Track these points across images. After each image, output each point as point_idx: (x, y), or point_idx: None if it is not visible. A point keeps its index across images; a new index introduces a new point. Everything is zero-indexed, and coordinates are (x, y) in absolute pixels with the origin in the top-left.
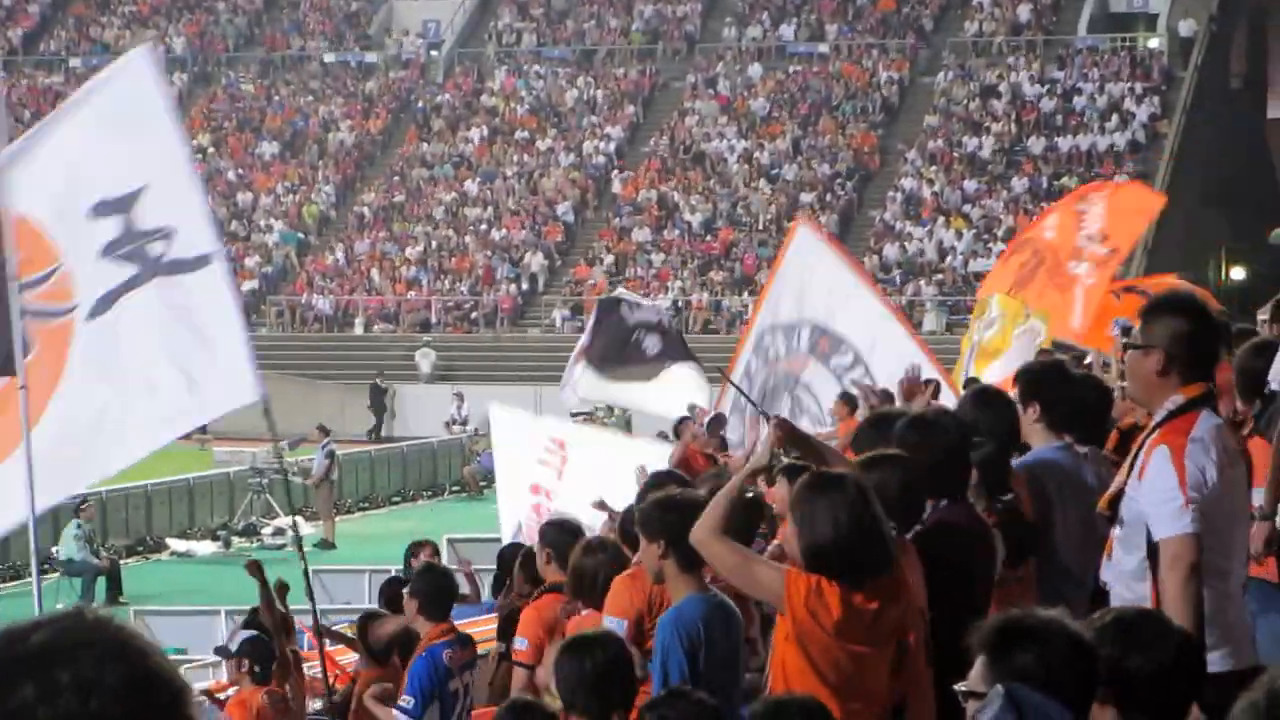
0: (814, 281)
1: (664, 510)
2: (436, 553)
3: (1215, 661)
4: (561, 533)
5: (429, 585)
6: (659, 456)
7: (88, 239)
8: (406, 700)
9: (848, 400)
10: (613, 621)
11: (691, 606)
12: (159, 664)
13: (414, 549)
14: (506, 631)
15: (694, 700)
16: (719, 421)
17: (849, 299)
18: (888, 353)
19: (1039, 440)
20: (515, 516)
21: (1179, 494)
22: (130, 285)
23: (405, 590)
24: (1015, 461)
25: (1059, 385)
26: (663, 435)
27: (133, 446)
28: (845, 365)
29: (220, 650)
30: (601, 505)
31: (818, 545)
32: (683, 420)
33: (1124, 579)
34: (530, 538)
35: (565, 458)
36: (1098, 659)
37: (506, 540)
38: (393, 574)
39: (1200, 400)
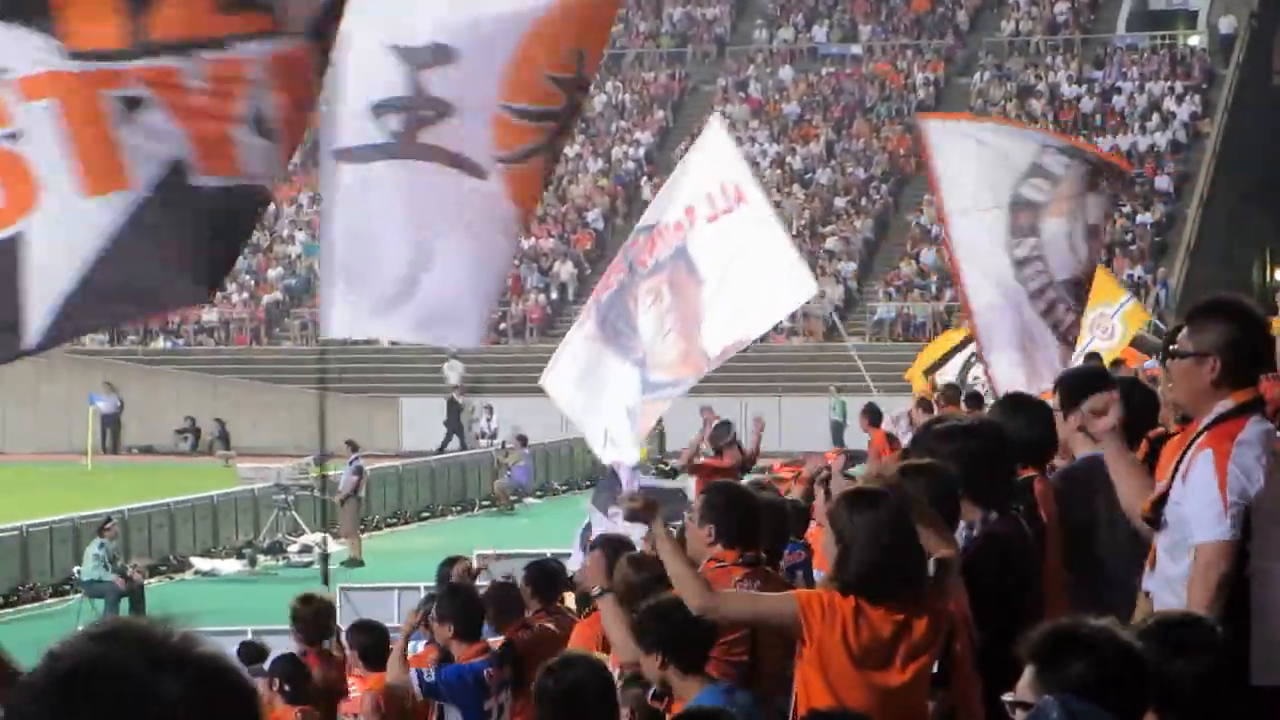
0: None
1: (658, 620)
2: (470, 570)
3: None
4: (614, 548)
5: (462, 608)
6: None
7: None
8: (429, 674)
9: (870, 412)
10: None
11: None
12: (225, 668)
13: (449, 565)
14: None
15: None
16: (725, 428)
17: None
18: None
19: (1081, 447)
20: (656, 214)
21: (1219, 499)
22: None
23: (434, 614)
24: (1058, 469)
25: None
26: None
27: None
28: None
29: (253, 670)
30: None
31: (855, 562)
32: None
33: (1170, 586)
34: (652, 241)
35: (730, 209)
36: (1148, 669)
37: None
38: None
39: (1251, 405)
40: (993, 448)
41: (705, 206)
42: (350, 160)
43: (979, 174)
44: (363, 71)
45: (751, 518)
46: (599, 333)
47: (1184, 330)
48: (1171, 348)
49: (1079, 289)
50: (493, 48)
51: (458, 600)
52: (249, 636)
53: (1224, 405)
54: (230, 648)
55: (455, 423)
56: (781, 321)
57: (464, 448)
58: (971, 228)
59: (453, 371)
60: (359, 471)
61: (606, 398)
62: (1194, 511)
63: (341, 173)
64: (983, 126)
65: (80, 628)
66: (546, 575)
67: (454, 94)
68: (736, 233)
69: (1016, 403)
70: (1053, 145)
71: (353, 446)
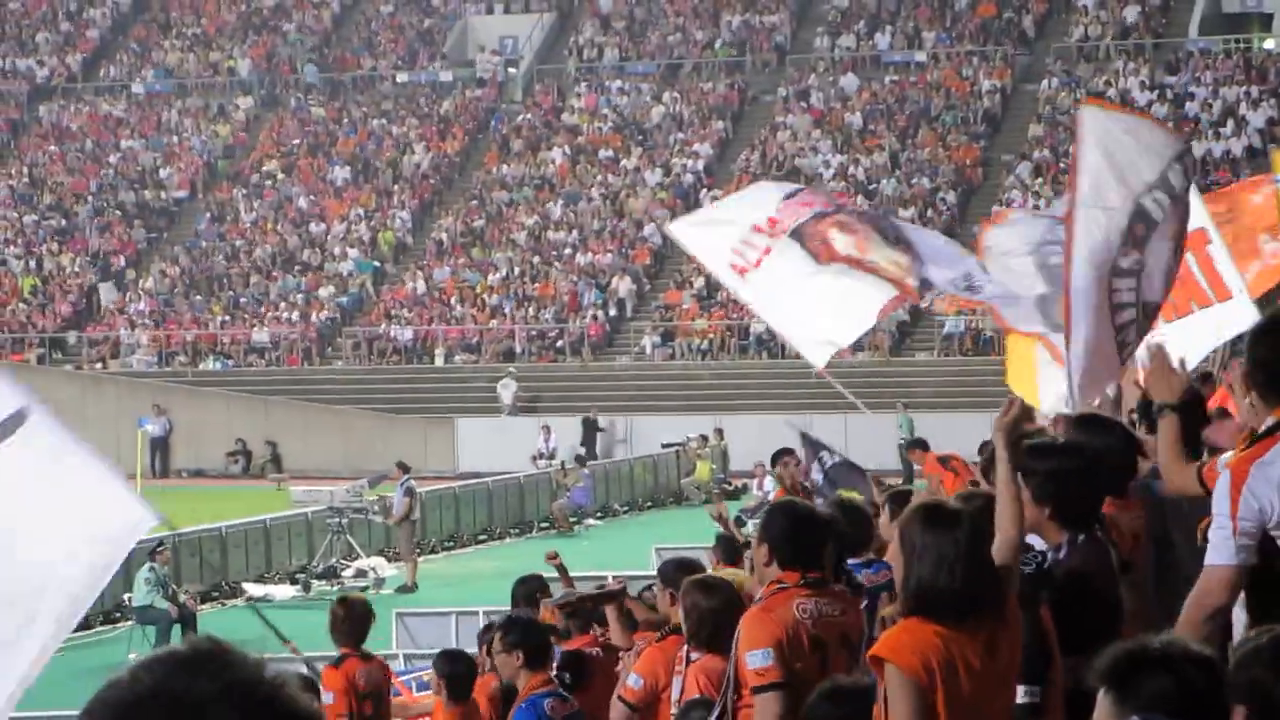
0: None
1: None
2: (545, 587)
3: None
4: (683, 572)
5: (534, 638)
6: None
7: None
8: None
9: (916, 444)
10: (757, 655)
11: None
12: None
13: (520, 584)
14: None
15: None
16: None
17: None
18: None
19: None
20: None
21: (1229, 524)
22: None
23: (502, 641)
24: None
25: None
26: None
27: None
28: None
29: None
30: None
31: (925, 584)
32: (783, 453)
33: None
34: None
35: (770, 249)
36: (1223, 680)
37: None
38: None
39: None
40: (1086, 467)
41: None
42: None
43: (1116, 171)
44: None
45: (813, 537)
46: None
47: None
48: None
49: (1149, 317)
50: None
51: (532, 630)
52: (302, 663)
53: (1268, 424)
54: None
55: (592, 440)
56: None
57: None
58: (1096, 223)
59: (506, 390)
60: (410, 493)
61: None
62: (1211, 532)
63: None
64: (1139, 121)
65: (132, 656)
66: (687, 572)
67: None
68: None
69: (1100, 423)
70: (1178, 153)
71: (403, 468)
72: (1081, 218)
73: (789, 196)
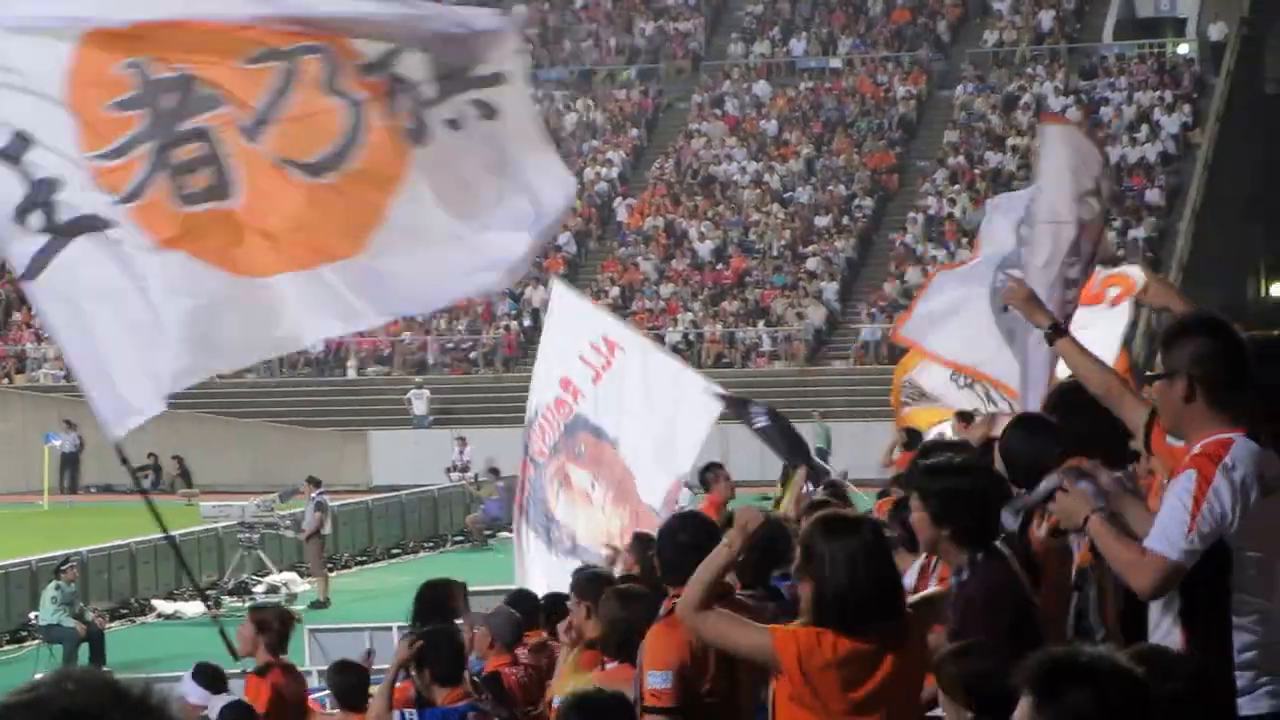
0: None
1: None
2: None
3: (1255, 704)
4: (595, 583)
5: (443, 651)
6: (694, 424)
7: None
8: (413, 716)
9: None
10: (657, 676)
11: None
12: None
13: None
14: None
15: None
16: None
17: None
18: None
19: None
20: (535, 400)
21: (1188, 519)
22: None
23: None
24: None
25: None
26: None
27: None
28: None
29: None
30: (612, 552)
31: (833, 591)
32: (711, 468)
33: (1154, 620)
34: (540, 429)
35: (609, 363)
36: (1150, 697)
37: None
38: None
39: (1236, 423)
40: (983, 487)
41: (583, 370)
42: (31, 277)
43: (1071, 185)
44: None
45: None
46: (535, 539)
47: (1160, 351)
48: (1148, 374)
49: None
50: (55, 118)
51: (437, 646)
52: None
53: (1210, 426)
54: (185, 680)
55: None
56: (763, 344)
57: None
58: (1049, 236)
59: (418, 400)
60: (321, 508)
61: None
62: (1160, 517)
63: (38, 289)
64: (1081, 134)
65: (38, 675)
66: (603, 584)
67: (54, 170)
68: (627, 381)
69: (1032, 424)
70: (1103, 167)
71: (314, 483)
72: (1037, 234)
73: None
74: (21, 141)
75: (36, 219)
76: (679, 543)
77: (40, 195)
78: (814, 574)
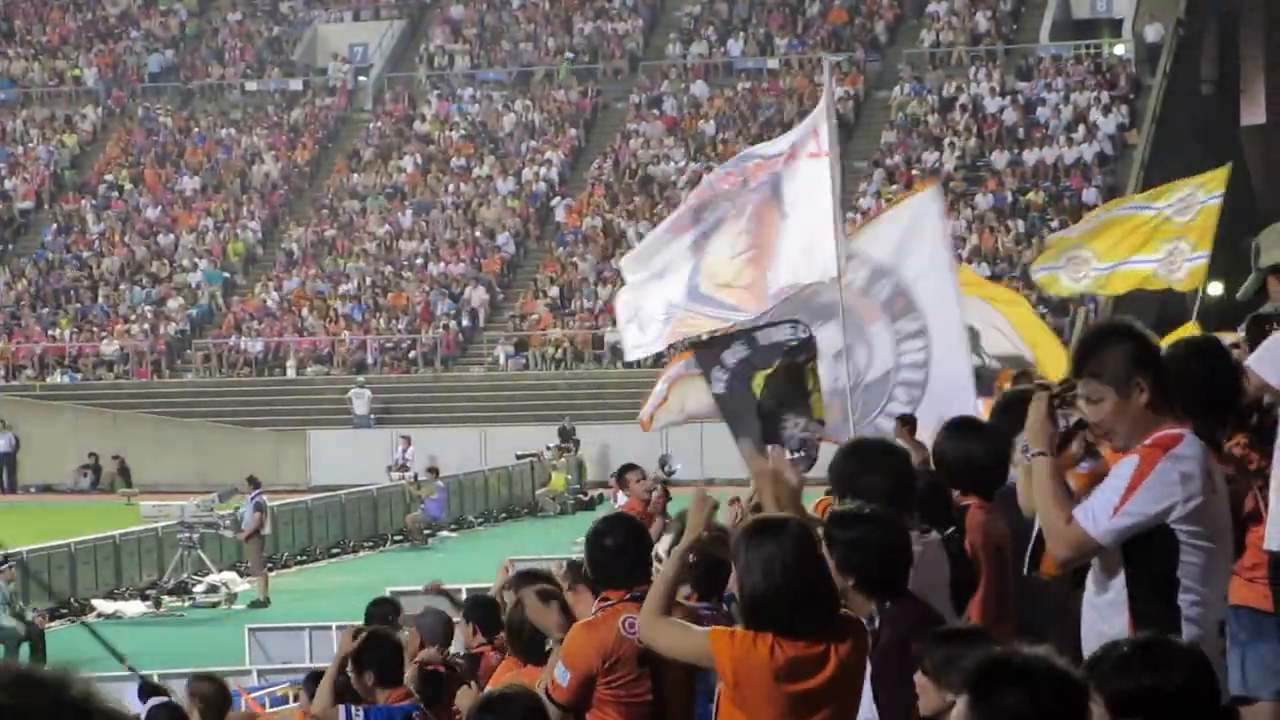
0: (918, 242)
1: None
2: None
3: None
4: (528, 581)
5: (382, 654)
6: None
7: None
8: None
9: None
10: (562, 671)
11: None
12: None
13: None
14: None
15: None
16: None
17: (942, 280)
18: (950, 351)
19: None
20: None
21: (1116, 501)
22: None
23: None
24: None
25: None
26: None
27: None
28: (910, 332)
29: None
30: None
31: (757, 596)
32: (628, 469)
33: (1099, 610)
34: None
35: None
36: (1087, 697)
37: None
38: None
39: (1181, 420)
40: (888, 538)
41: (810, 142)
42: None
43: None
44: None
45: (642, 551)
46: (685, 219)
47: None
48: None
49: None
50: None
51: (378, 647)
52: (155, 680)
53: (1157, 425)
54: (133, 693)
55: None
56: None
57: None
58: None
59: (359, 400)
60: (260, 508)
61: (656, 283)
62: (1094, 493)
63: None
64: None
65: None
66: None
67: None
68: (818, 177)
69: (970, 427)
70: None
71: (253, 483)
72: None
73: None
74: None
75: None
76: (606, 546)
77: None
78: (739, 579)
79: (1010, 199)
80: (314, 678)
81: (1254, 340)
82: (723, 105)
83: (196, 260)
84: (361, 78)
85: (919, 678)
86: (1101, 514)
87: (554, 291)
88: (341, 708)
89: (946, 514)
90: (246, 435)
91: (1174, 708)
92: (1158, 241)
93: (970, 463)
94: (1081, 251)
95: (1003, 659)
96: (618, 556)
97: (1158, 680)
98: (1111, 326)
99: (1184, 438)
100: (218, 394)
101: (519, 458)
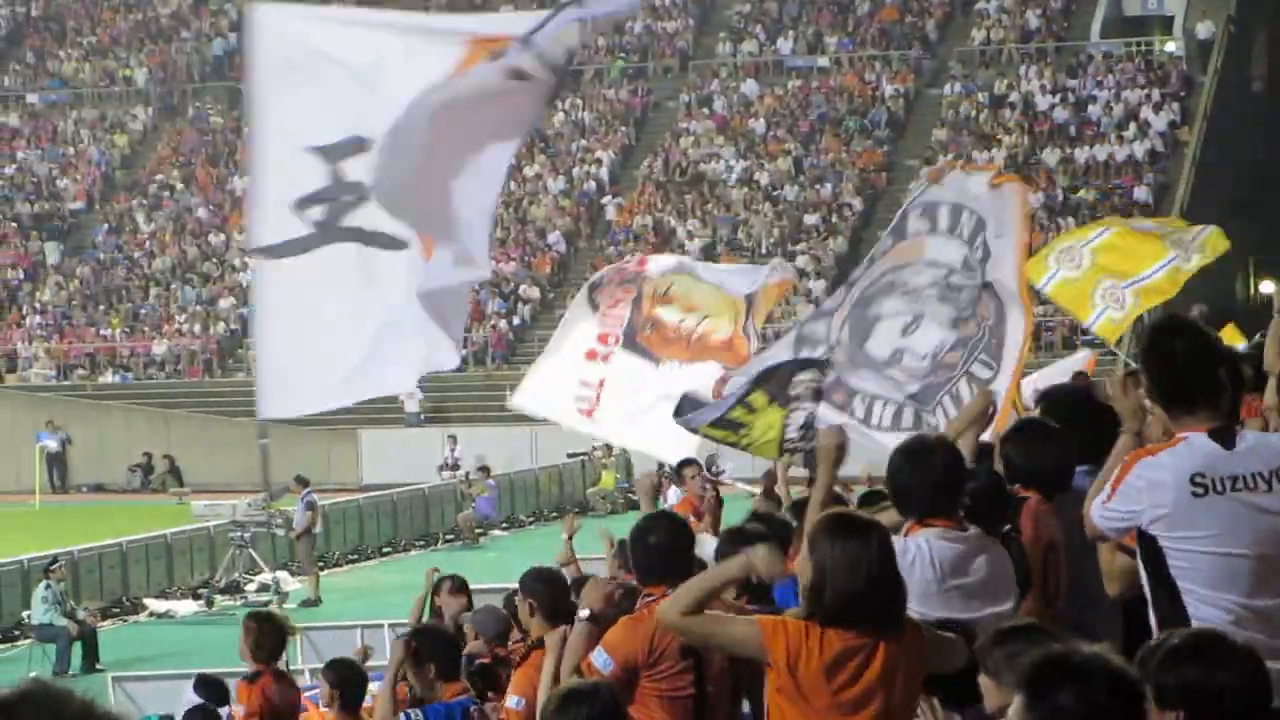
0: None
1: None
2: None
3: None
4: (542, 582)
5: (440, 647)
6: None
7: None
8: (417, 715)
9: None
10: (602, 656)
11: None
12: None
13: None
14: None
15: None
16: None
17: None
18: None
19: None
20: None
21: (1104, 496)
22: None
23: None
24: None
25: (1079, 410)
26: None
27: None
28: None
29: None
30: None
31: (838, 592)
32: (687, 464)
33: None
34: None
35: (604, 380)
36: (1142, 696)
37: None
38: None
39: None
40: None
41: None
42: (271, 256)
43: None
44: (283, 172)
45: (684, 549)
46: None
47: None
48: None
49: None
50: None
51: (435, 640)
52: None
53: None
54: (188, 690)
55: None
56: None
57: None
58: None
59: (410, 399)
60: (312, 507)
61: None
62: (1093, 490)
63: (264, 269)
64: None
65: (33, 674)
66: (547, 583)
67: (370, 178)
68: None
69: (1041, 432)
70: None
71: (302, 482)
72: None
73: (595, 287)
74: (354, 144)
75: (318, 212)
76: (649, 545)
77: (332, 194)
78: (815, 570)
79: (1061, 197)
80: (338, 666)
81: None
82: (773, 104)
83: (247, 260)
84: None
85: (982, 678)
86: (1097, 506)
87: None
88: (402, 714)
89: (1003, 513)
90: (298, 434)
91: (1217, 704)
92: (1166, 244)
93: (1039, 466)
94: (1070, 244)
95: (1059, 658)
96: (661, 555)
97: (1202, 675)
98: (1153, 328)
99: (1175, 444)
100: None
101: (570, 456)
